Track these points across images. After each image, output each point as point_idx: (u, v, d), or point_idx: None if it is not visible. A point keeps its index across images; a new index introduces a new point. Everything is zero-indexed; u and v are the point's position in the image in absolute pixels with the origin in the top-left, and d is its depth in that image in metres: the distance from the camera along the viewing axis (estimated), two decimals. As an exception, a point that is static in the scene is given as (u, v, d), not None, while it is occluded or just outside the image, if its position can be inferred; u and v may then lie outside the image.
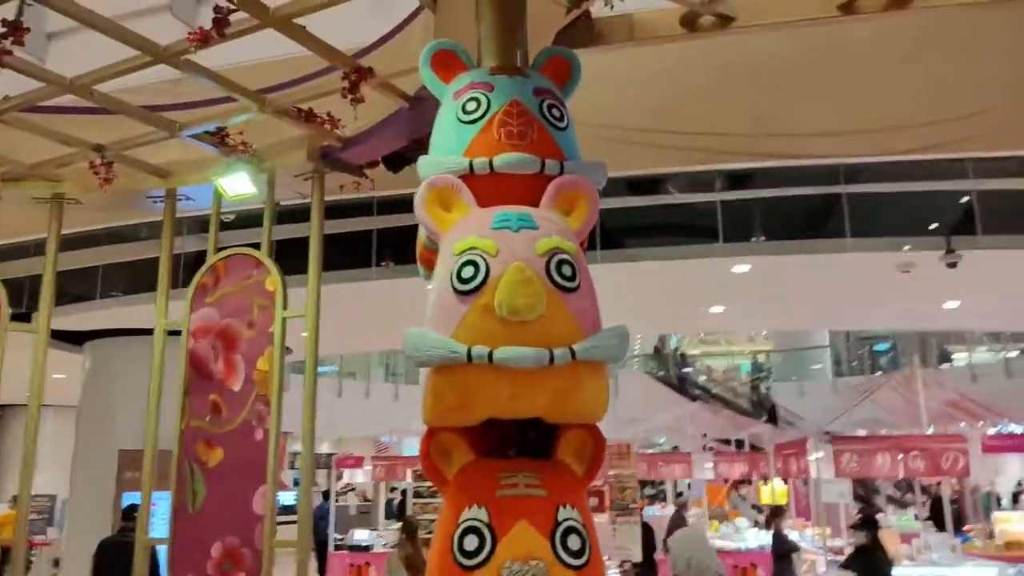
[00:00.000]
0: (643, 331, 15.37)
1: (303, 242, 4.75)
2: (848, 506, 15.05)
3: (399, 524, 15.24)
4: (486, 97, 2.72)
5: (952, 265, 7.35)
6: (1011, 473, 11.76)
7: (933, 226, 8.08)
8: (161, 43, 3.68)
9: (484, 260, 2.38)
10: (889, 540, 10.14)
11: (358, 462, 16.04)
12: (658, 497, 19.41)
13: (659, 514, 14.99)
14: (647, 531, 10.66)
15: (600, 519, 13.33)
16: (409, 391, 28.23)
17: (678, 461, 15.45)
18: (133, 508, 6.21)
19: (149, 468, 4.75)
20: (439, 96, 2.90)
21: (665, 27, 3.53)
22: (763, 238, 8.00)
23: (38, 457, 4.87)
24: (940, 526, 13.23)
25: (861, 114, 5.37)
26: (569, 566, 2.31)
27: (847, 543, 11.40)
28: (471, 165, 2.63)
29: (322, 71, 4.30)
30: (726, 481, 17.66)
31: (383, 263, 8.81)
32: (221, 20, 3.37)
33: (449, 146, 2.73)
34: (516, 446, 2.58)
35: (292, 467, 21.83)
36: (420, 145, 3.67)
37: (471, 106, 2.72)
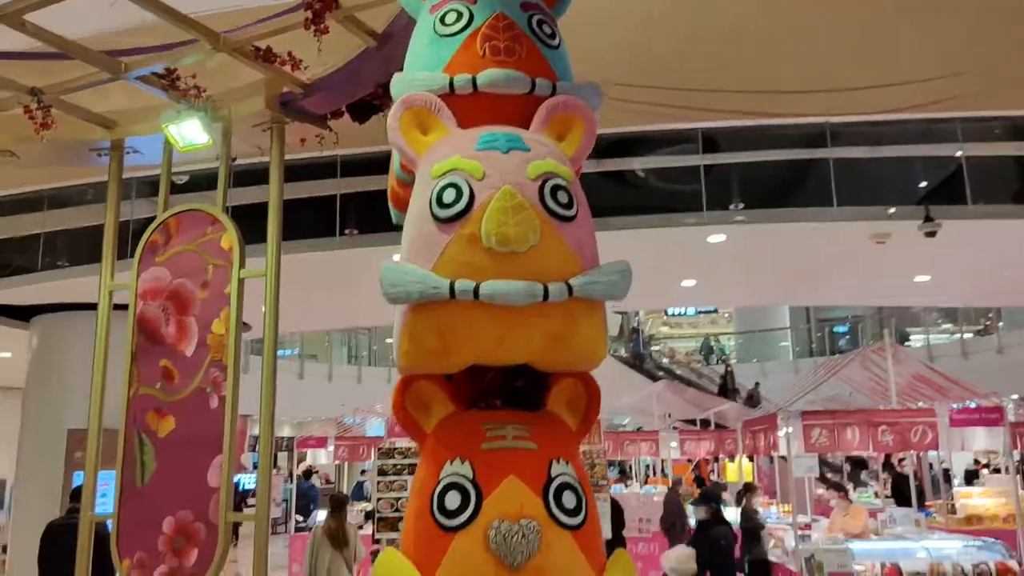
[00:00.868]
0: (611, 305, 15.19)
1: (261, 208, 4.42)
2: (811, 482, 15.16)
3: (363, 505, 14.98)
4: (468, 9, 2.42)
5: (931, 234, 7.24)
6: (978, 446, 11.84)
7: (912, 194, 7.97)
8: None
9: (468, 183, 2.09)
10: (857, 516, 10.18)
11: (320, 442, 15.68)
12: (626, 476, 19.34)
13: (625, 492, 14.95)
14: (616, 508, 10.55)
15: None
16: (372, 374, 27.89)
17: (645, 439, 15.37)
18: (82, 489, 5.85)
19: (95, 444, 4.40)
20: (414, 13, 2.60)
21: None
22: (741, 205, 7.78)
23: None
24: (900, 503, 13.40)
25: (847, 72, 5.19)
26: (564, 526, 2.06)
27: (811, 519, 11.43)
28: (451, 83, 2.32)
29: (283, 12, 3.97)
30: (689, 461, 17.69)
31: (347, 231, 8.38)
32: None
33: (426, 63, 2.42)
34: (502, 396, 2.30)
35: (253, 449, 21.40)
36: (388, 93, 3.38)
37: (451, 18, 2.41)
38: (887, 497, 14.35)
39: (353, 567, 8.56)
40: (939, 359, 21.75)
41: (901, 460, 16.16)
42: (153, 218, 4.64)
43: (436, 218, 2.10)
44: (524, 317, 2.05)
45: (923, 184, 8.22)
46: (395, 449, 10.24)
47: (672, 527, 12.63)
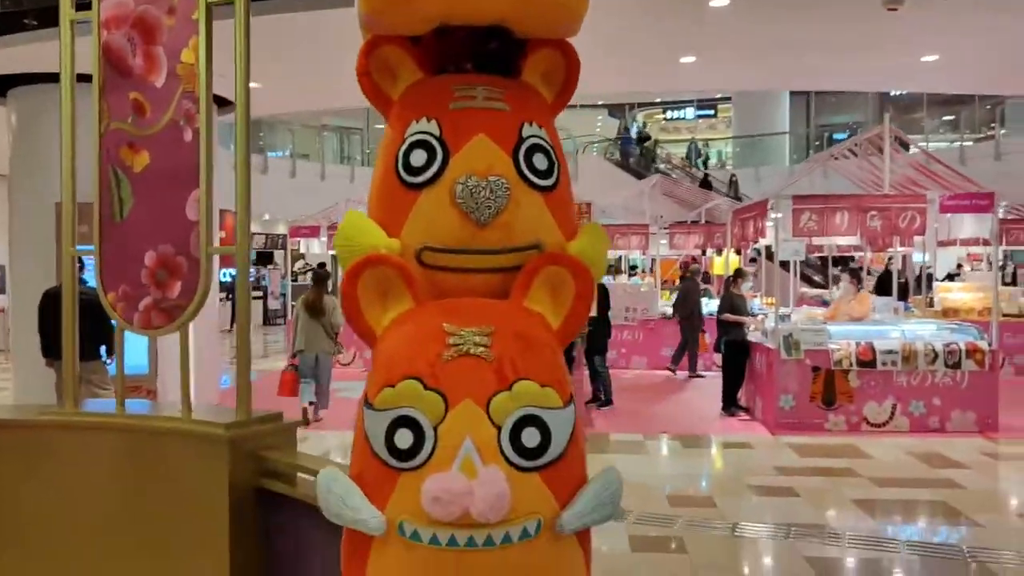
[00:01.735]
0: (607, 87, 14.71)
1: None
2: (796, 281, 15.49)
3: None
4: None
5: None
6: (965, 234, 11.96)
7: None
8: None
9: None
10: (863, 302, 10.45)
11: (313, 231, 15.80)
12: (617, 270, 19.64)
13: (614, 281, 15.32)
14: (603, 291, 10.81)
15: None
16: (364, 173, 27.67)
17: (636, 233, 15.51)
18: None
19: (70, 207, 4.30)
20: None
21: None
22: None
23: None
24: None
25: None
26: (535, 186, 2.00)
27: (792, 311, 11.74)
28: None
29: None
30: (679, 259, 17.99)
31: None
32: None
33: None
34: (474, 60, 2.16)
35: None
36: None
37: None
38: (871, 292, 14.75)
39: (331, 334, 9.21)
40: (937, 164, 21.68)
41: (890, 259, 16.47)
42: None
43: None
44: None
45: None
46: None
47: (690, 316, 12.96)
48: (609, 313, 10.90)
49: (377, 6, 1.98)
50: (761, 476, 7.44)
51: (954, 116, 26.70)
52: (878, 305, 11.38)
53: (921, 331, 9.79)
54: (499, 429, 1.85)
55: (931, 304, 14.07)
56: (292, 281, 19.98)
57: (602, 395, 10.77)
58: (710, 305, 13.04)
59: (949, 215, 10.25)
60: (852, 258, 17.30)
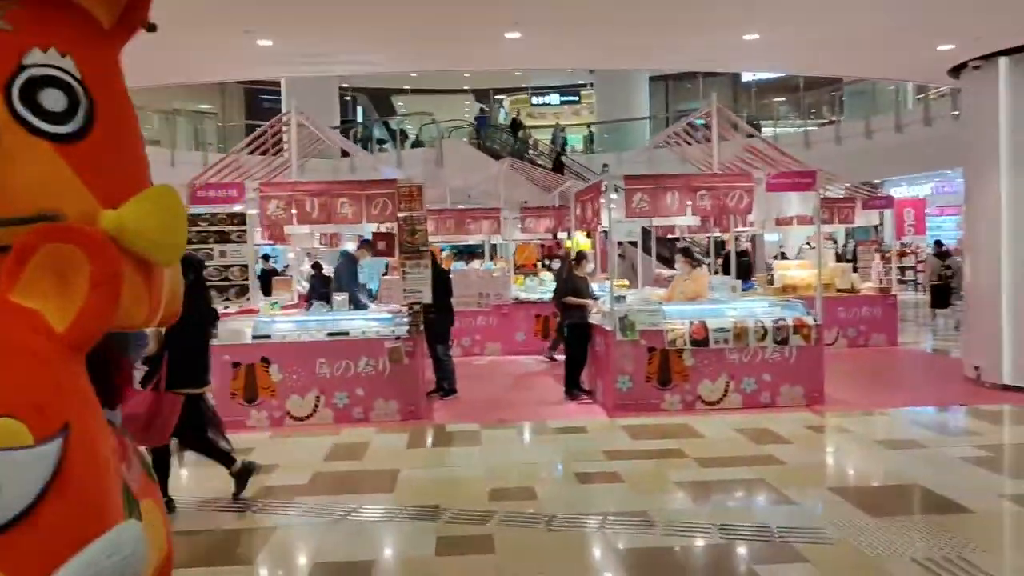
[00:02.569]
0: (430, 65, 14.36)
1: None
2: (648, 264, 15.67)
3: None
4: None
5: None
6: (792, 212, 12.31)
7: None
8: None
9: None
10: (698, 281, 10.58)
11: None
12: (476, 254, 19.29)
13: (466, 267, 15.01)
14: (443, 276, 10.45)
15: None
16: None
17: (487, 217, 15.25)
18: None
19: None
20: None
21: None
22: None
23: None
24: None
25: None
26: (41, 132, 1.51)
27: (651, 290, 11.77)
28: None
29: None
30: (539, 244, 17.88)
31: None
32: None
33: None
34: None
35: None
36: None
37: None
38: (716, 273, 15.10)
39: None
40: (784, 148, 22.62)
41: (737, 239, 16.93)
42: None
43: None
44: None
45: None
46: (199, 216, 9.58)
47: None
48: (452, 300, 10.56)
49: None
50: (588, 462, 7.26)
51: (798, 103, 28.01)
52: (716, 284, 11.56)
53: (755, 308, 9.96)
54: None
55: (771, 282, 14.51)
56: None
57: (445, 384, 10.44)
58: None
59: (780, 194, 10.45)
60: (680, 238, 17.66)
